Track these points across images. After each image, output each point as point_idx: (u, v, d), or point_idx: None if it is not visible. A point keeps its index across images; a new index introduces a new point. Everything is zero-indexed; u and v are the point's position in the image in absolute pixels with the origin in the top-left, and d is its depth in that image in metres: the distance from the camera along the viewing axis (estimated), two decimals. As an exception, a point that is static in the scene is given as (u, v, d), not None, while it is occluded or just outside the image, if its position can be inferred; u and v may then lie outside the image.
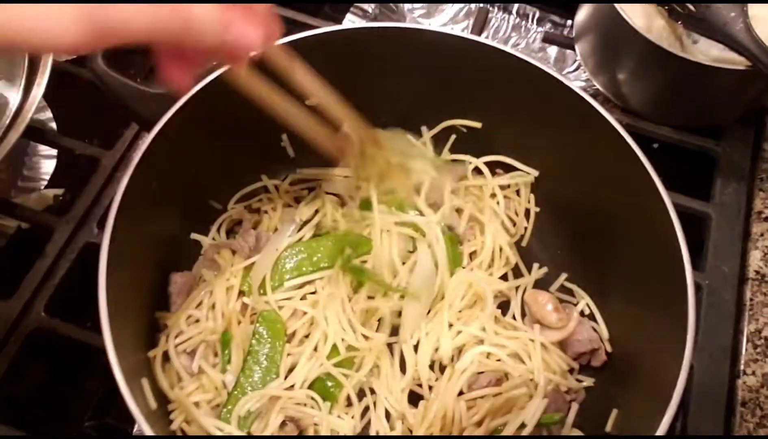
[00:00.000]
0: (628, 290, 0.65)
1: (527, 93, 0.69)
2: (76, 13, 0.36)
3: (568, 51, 0.95)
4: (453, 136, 0.76)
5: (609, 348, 0.67)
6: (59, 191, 0.82)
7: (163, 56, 0.46)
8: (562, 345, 0.68)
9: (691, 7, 0.77)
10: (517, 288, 0.71)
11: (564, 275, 0.72)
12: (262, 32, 0.43)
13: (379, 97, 0.74)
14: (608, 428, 0.60)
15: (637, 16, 0.80)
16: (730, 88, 0.78)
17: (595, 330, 0.68)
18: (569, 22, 0.97)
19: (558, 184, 0.72)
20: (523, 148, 0.73)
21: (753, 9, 0.83)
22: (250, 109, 0.54)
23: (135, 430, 0.65)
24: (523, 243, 0.75)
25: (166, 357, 0.63)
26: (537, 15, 1.01)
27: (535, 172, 0.74)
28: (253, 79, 0.53)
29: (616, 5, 0.76)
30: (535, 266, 0.73)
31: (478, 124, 0.74)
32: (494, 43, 0.69)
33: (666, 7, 0.77)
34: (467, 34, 0.68)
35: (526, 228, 0.75)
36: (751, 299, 0.75)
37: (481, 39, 0.69)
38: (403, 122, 0.76)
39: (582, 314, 0.69)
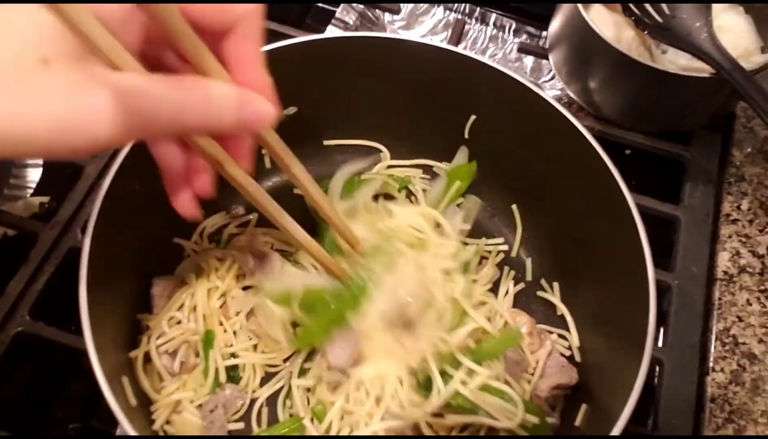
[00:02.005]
0: (598, 290, 0.67)
1: (502, 102, 0.71)
2: (110, 102, 0.35)
3: (544, 61, 0.97)
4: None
5: (578, 358, 0.69)
6: (45, 199, 0.83)
7: (171, 184, 0.49)
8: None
9: (657, 17, 0.80)
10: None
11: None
12: (273, 107, 0.43)
13: (358, 105, 0.76)
14: (578, 422, 0.62)
15: (606, 27, 0.83)
16: (696, 96, 0.81)
17: (564, 355, 0.68)
18: (544, 33, 1.00)
19: (533, 190, 0.74)
20: (498, 155, 0.75)
21: (719, 20, 0.87)
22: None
23: (118, 431, 0.66)
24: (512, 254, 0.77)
25: (148, 358, 0.65)
26: (513, 26, 1.03)
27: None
28: (252, 186, 0.52)
29: (586, 17, 0.78)
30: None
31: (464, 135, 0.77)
32: (469, 53, 0.71)
33: (633, 18, 0.79)
34: (444, 45, 0.70)
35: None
36: (720, 299, 0.77)
37: (457, 49, 0.71)
38: (378, 130, 0.78)
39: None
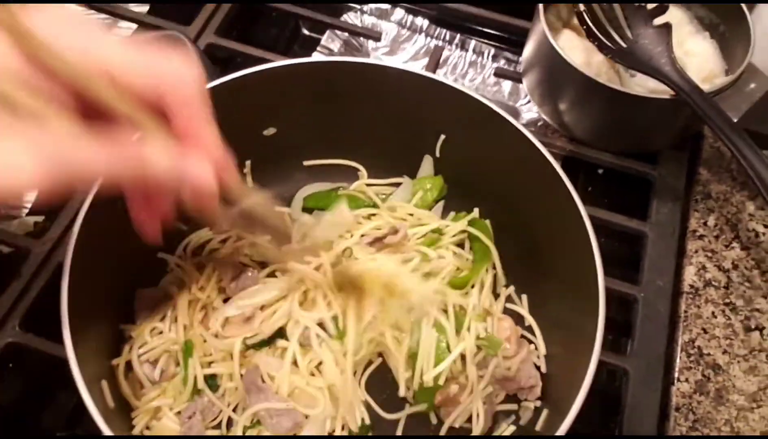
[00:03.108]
0: (559, 300, 0.70)
1: (466, 121, 0.74)
2: (33, 152, 0.36)
3: (521, 85, 1.01)
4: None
5: (544, 369, 0.71)
6: (39, 218, 0.87)
7: (133, 203, 0.51)
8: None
9: (620, 42, 0.84)
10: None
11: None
12: (210, 165, 0.45)
13: (336, 126, 0.80)
14: (538, 427, 0.64)
15: (576, 52, 0.87)
16: (660, 116, 0.84)
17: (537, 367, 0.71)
18: (521, 58, 1.04)
19: (498, 203, 0.77)
20: (466, 174, 0.79)
21: (686, 45, 0.91)
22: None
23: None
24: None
25: (130, 367, 0.68)
26: (492, 52, 1.08)
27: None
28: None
29: (554, 44, 0.82)
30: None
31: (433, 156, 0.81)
32: (438, 76, 0.75)
33: (596, 43, 0.84)
34: (415, 69, 0.74)
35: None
36: (686, 311, 0.80)
37: (426, 73, 0.75)
38: (356, 150, 0.82)
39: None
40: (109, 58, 0.42)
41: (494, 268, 0.77)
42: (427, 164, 0.83)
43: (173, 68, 0.45)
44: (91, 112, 0.42)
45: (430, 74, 0.75)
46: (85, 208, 0.62)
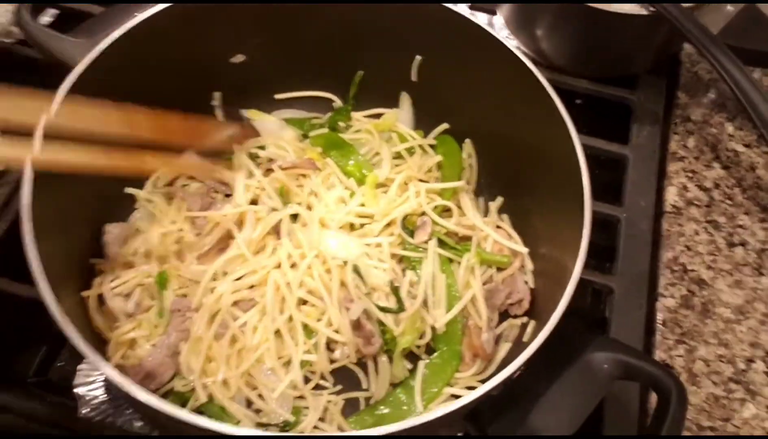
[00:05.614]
0: (544, 212, 0.69)
1: (446, 40, 0.72)
2: None
3: (495, 18, 0.99)
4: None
5: (532, 284, 0.70)
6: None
7: None
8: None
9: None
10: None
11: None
12: None
13: (307, 52, 0.77)
14: (525, 338, 0.63)
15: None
16: (638, 35, 0.83)
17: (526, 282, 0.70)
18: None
19: (489, 131, 0.76)
20: (445, 96, 0.77)
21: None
22: (178, 60, 0.56)
23: (75, 381, 0.67)
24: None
25: (102, 302, 0.65)
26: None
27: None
28: None
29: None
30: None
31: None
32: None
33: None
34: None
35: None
36: (668, 230, 0.79)
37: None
38: (329, 80, 0.80)
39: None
40: None
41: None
42: (405, 102, 0.80)
43: None
44: None
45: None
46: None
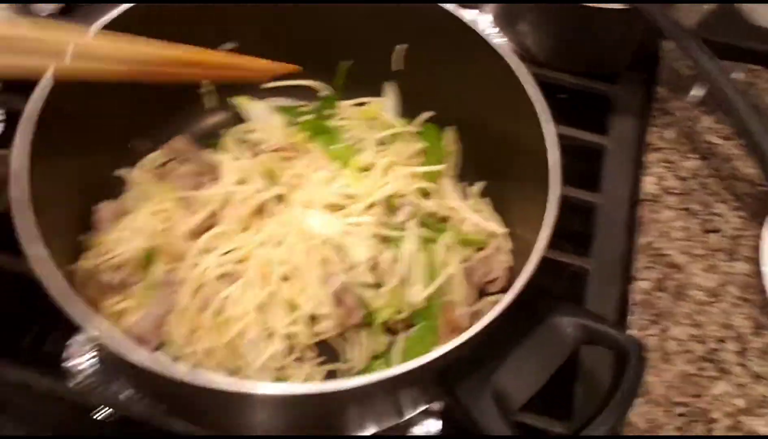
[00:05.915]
0: (521, 196, 0.71)
1: (429, 30, 0.75)
2: None
3: (483, 15, 1.02)
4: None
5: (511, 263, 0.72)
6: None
7: None
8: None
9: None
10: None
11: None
12: None
13: (297, 41, 0.80)
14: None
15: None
16: (618, 30, 0.86)
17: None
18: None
19: (470, 119, 0.78)
20: (427, 84, 0.80)
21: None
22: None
23: (64, 354, 0.69)
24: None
25: (90, 277, 0.67)
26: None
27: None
28: None
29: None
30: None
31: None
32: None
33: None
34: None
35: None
36: (644, 217, 0.81)
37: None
38: (320, 70, 0.82)
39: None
40: None
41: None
42: (391, 91, 0.83)
43: None
44: None
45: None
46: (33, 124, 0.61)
